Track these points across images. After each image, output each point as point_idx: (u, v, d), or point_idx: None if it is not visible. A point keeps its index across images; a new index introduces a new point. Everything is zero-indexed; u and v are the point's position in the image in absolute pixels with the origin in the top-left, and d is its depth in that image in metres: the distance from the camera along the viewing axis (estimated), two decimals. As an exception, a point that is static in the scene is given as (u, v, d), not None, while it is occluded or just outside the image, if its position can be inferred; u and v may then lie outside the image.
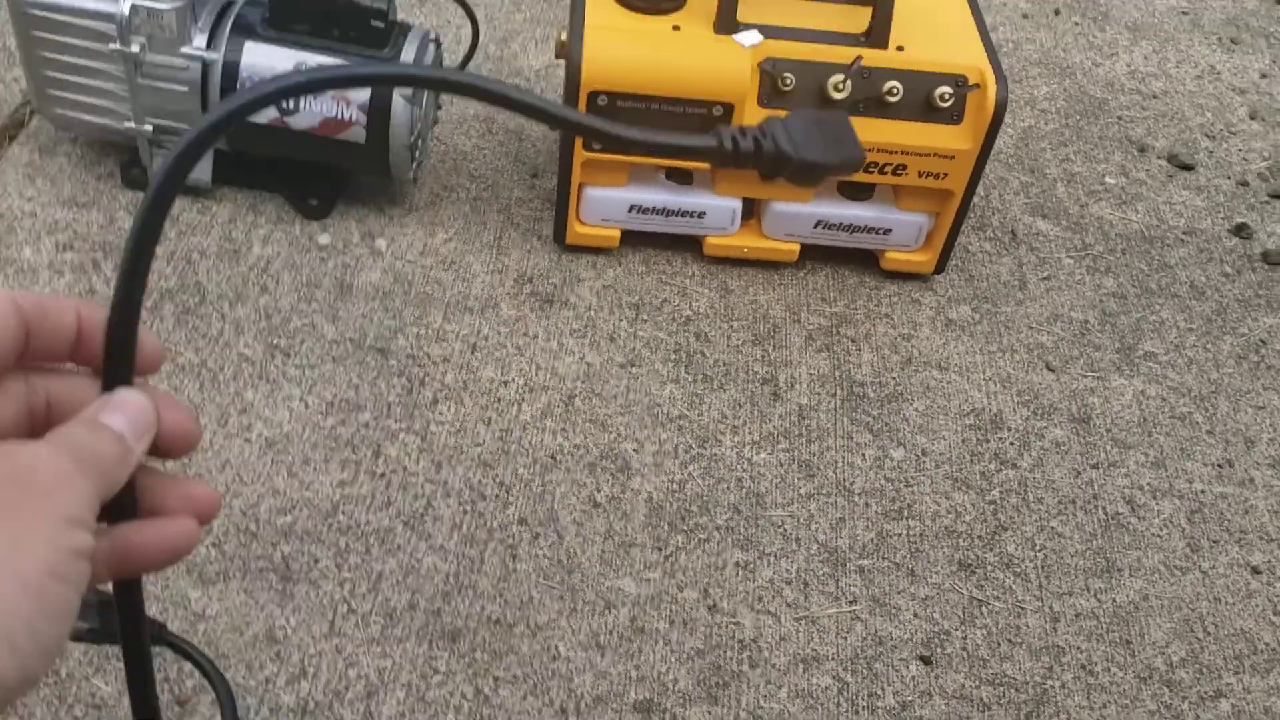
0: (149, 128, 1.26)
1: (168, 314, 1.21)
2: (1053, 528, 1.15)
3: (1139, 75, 1.75)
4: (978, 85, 1.20)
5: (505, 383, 1.20)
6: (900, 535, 1.12)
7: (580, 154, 1.25)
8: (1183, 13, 1.89)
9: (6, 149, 1.36)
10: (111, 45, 1.20)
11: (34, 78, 1.26)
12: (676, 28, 1.21)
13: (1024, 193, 1.52)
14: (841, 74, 1.19)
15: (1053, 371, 1.30)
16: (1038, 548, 1.13)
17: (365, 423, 1.14)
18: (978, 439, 1.22)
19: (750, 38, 1.20)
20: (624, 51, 1.19)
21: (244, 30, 1.23)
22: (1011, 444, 1.22)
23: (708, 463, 1.15)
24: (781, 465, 1.16)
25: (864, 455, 1.19)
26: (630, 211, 1.32)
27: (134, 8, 1.18)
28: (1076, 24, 1.85)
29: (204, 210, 1.32)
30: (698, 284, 1.34)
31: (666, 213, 1.32)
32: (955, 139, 1.22)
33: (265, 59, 1.23)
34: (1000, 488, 1.18)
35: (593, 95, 1.20)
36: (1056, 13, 1.86)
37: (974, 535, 1.14)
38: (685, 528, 1.10)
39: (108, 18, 1.19)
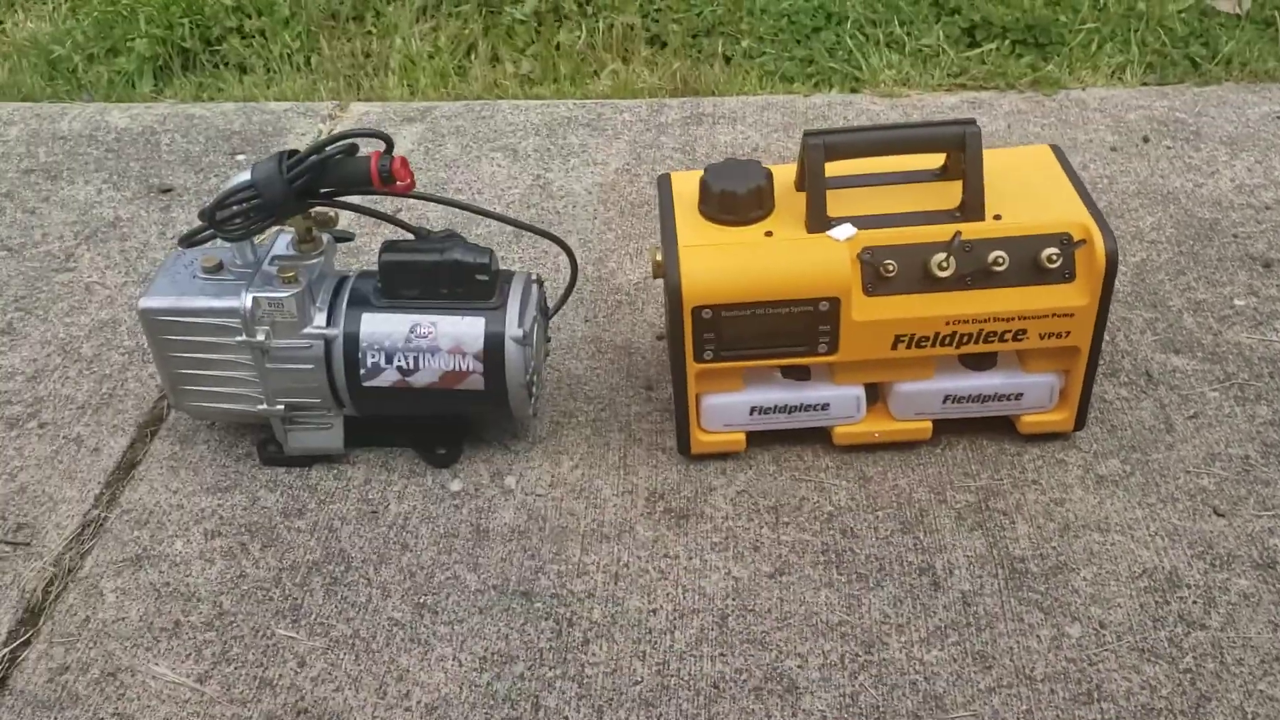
0: (280, 406, 1.31)
1: (316, 587, 1.23)
2: (1262, 691, 1.06)
3: (1246, 189, 1.71)
4: (1084, 241, 1.18)
5: (654, 611, 1.18)
6: (1095, 721, 1.05)
7: (693, 365, 1.25)
8: (1277, 118, 1.86)
9: (150, 445, 1.42)
10: (238, 338, 1.26)
11: (168, 375, 1.32)
12: (769, 233, 1.22)
13: (1150, 330, 1.47)
14: (943, 252, 1.18)
15: (1222, 516, 1.23)
16: (1249, 715, 1.04)
17: (520, 674, 1.13)
18: (1157, 602, 1.15)
19: (845, 231, 1.20)
20: (721, 265, 1.21)
21: (359, 302, 1.28)
22: (1195, 602, 1.15)
23: (878, 669, 1.10)
24: (954, 661, 1.10)
25: (1039, 637, 1.12)
26: (752, 414, 1.31)
27: (256, 300, 1.25)
28: (1169, 148, 1.82)
29: (339, 475, 1.35)
30: (833, 476, 1.31)
31: (789, 409, 1.31)
32: (1071, 297, 1.20)
33: (383, 326, 1.27)
34: (1193, 653, 1.10)
35: (696, 310, 1.21)
36: (1145, 140, 1.84)
37: (1175, 711, 1.05)
38: (865, 745, 1.04)
39: (232, 313, 1.25)
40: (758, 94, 2.11)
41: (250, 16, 2.39)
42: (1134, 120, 1.92)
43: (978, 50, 2.16)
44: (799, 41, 2.24)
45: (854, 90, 2.10)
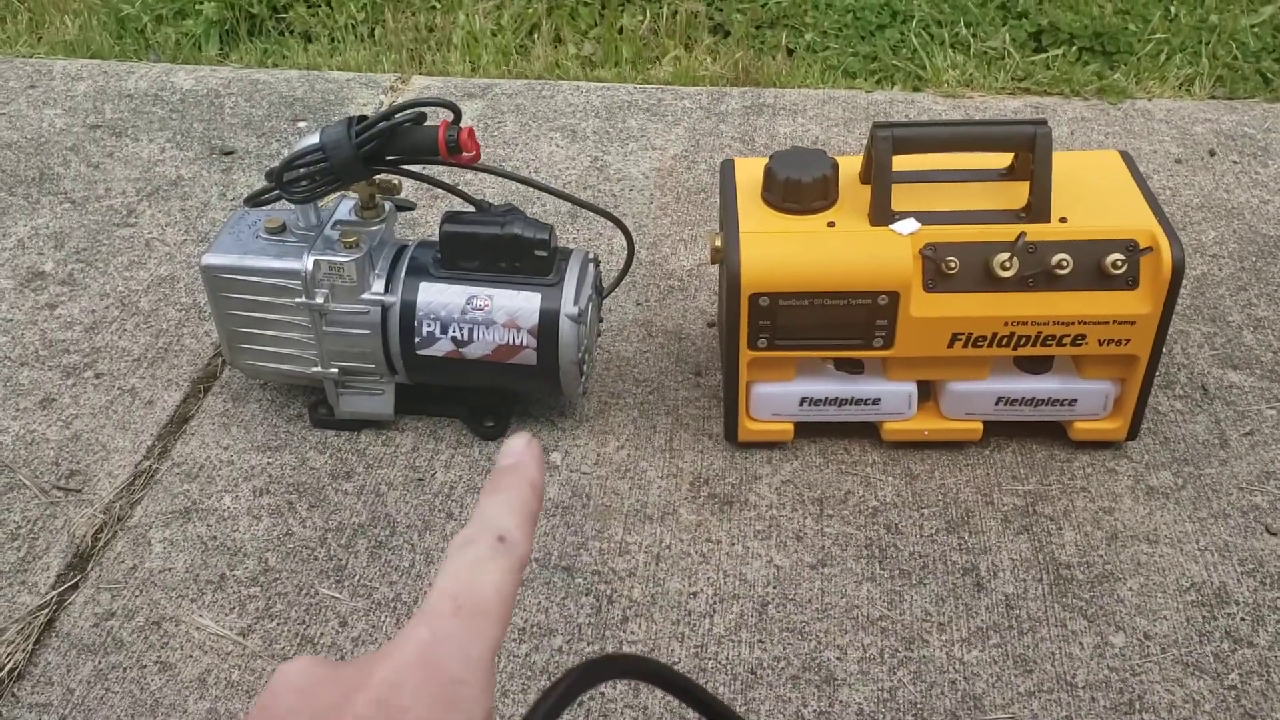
0: (335, 370, 1.32)
1: (361, 549, 1.24)
2: (1307, 713, 1.05)
3: (1312, 208, 1.68)
4: (1150, 248, 1.17)
5: (694, 594, 1.18)
6: (1135, 732, 1.04)
7: (746, 353, 1.25)
8: (1347, 138, 1.83)
9: (203, 400, 1.44)
10: (297, 299, 1.27)
11: (225, 333, 1.34)
12: (831, 224, 1.22)
13: (1208, 344, 1.46)
14: (1007, 252, 1.17)
15: (1275, 535, 1.21)
16: (1293, 737, 1.03)
17: (558, 647, 1.13)
18: (1204, 617, 1.14)
19: (908, 226, 1.20)
20: (781, 253, 1.20)
21: (418, 271, 1.29)
22: (1243, 619, 1.13)
23: (917, 666, 1.10)
24: (995, 663, 1.10)
25: (1082, 644, 1.12)
26: (802, 405, 1.31)
27: (317, 263, 1.26)
28: (1235, 162, 1.80)
29: (388, 442, 1.36)
30: (880, 472, 1.31)
31: (840, 402, 1.30)
32: (1134, 304, 1.18)
33: (439, 296, 1.28)
34: (1239, 670, 1.09)
35: (753, 298, 1.21)
36: (1211, 154, 1.82)
37: (1218, 726, 1.04)
38: (901, 740, 1.04)
39: (293, 274, 1.27)
40: (819, 88, 2.10)
41: (317, -14, 2.41)
42: (1200, 133, 1.89)
43: (1043, 55, 2.14)
44: (863, 38, 2.23)
45: (916, 89, 2.09)
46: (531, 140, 1.95)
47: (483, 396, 1.38)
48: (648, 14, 2.32)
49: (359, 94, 2.11)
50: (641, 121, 1.99)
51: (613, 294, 1.54)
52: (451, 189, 1.34)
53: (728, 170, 1.31)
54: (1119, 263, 1.17)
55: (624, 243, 1.44)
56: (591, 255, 1.34)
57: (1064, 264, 1.17)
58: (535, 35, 2.31)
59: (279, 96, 2.10)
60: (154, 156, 1.93)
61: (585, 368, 1.33)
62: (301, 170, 1.23)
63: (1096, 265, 1.18)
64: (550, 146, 1.93)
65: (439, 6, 2.40)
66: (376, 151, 1.23)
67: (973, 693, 1.07)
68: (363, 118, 1.23)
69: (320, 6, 2.39)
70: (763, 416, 1.32)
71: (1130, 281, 1.19)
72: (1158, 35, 2.15)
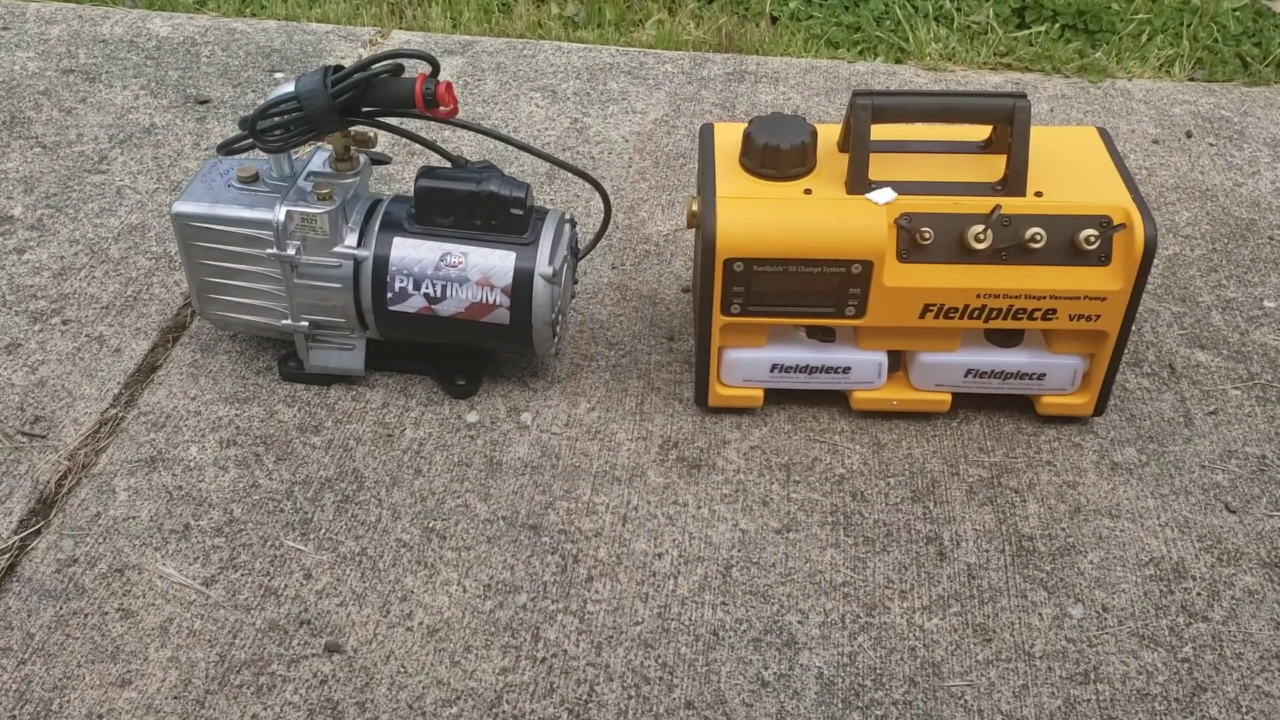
0: (305, 323, 1.31)
1: (328, 503, 1.23)
2: (1258, 687, 1.07)
3: (1285, 192, 1.70)
4: (1124, 225, 1.17)
5: (659, 555, 1.19)
6: (1089, 701, 1.06)
7: (719, 318, 1.25)
8: (1323, 124, 1.84)
9: (171, 350, 1.42)
10: (269, 250, 1.26)
11: (195, 283, 1.32)
12: (808, 191, 1.22)
13: (1177, 324, 1.47)
14: (981, 224, 1.18)
15: (1234, 513, 1.23)
16: (1244, 710, 1.05)
17: (523, 604, 1.14)
18: (1161, 591, 1.15)
19: (884, 195, 1.20)
20: (757, 218, 1.20)
21: (392, 226, 1.28)
22: (1199, 595, 1.15)
23: (878, 632, 1.11)
24: (955, 631, 1.11)
25: (1041, 615, 1.13)
26: (773, 371, 1.31)
27: (289, 214, 1.25)
28: (1211, 145, 1.81)
29: (358, 397, 1.36)
30: (848, 440, 1.31)
31: (810, 370, 1.31)
32: (1106, 280, 1.19)
33: (413, 252, 1.27)
34: (1193, 644, 1.11)
35: (728, 263, 1.21)
36: (1189, 135, 1.83)
37: (1170, 698, 1.06)
38: (860, 704, 1.05)
39: (265, 225, 1.25)
40: (802, 57, 2.09)
41: (298, -65, 2.37)
42: (1178, 114, 1.90)
43: (1026, 32, 2.14)
44: (847, 8, 2.22)
45: (899, 61, 2.08)
46: (511, 99, 1.93)
47: (454, 354, 1.37)
48: (632, -24, 2.30)
49: (337, 46, 2.08)
50: (623, 84, 1.98)
51: (588, 257, 1.53)
52: (428, 144, 1.33)
53: (707, 135, 1.30)
54: (1092, 238, 1.17)
55: (601, 205, 1.43)
56: (568, 216, 1.33)
57: (1038, 238, 1.18)
58: (518, -6, 2.29)
59: (256, 46, 2.08)
60: (127, 103, 1.90)
61: (558, 329, 1.33)
62: (276, 119, 1.22)
63: (1070, 240, 1.19)
64: (530, 106, 1.91)
65: (421, -39, 2.36)
66: (352, 102, 1.21)
67: (932, 660, 1.09)
68: (339, 67, 1.22)
69: (300, -43, 2.35)
70: (733, 382, 1.32)
71: (1103, 258, 1.19)
72: (1140, 15, 2.15)
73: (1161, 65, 2.06)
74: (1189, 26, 2.13)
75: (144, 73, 1.99)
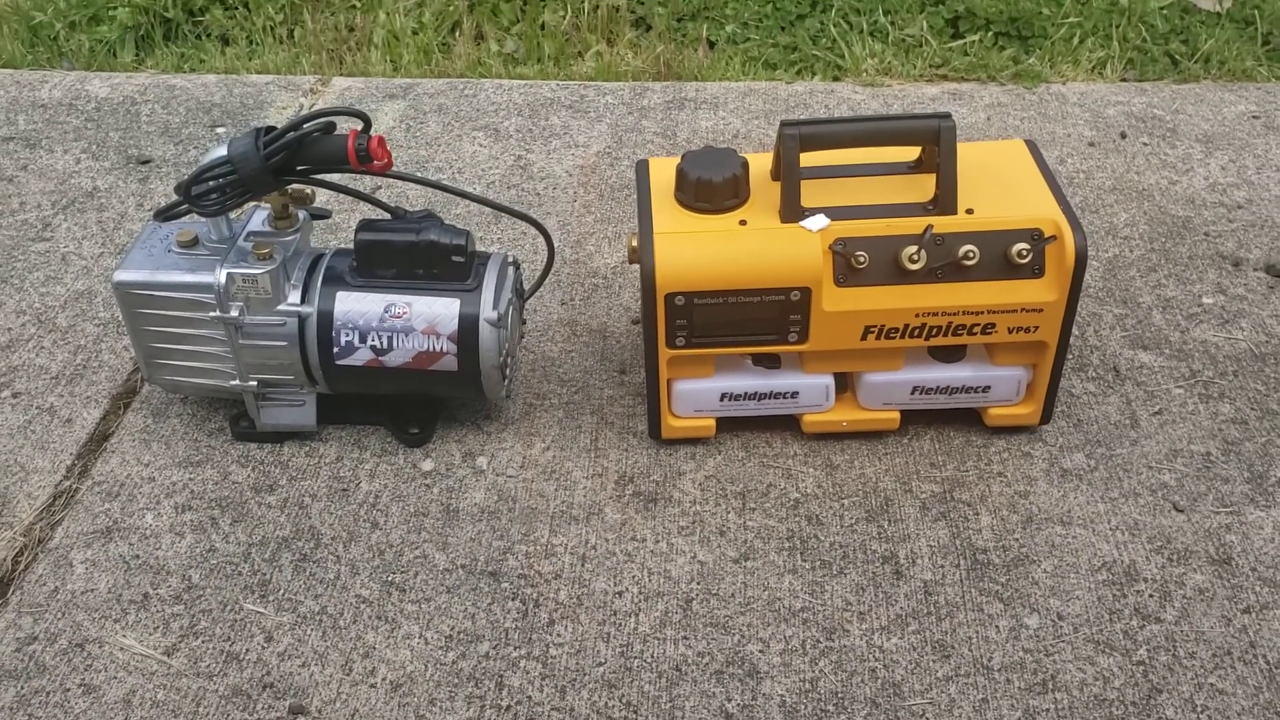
0: (254, 383, 1.31)
1: (285, 563, 1.23)
2: (1212, 684, 1.08)
3: (1219, 187, 1.72)
4: (1054, 237, 1.19)
5: (620, 593, 1.19)
6: (1048, 711, 1.07)
7: (665, 351, 1.26)
8: (1253, 117, 1.87)
9: (123, 417, 1.42)
10: (212, 313, 1.26)
11: (142, 349, 1.32)
12: (743, 222, 1.23)
13: (1120, 325, 1.49)
14: (915, 245, 1.19)
15: (1181, 512, 1.25)
16: (1199, 708, 1.07)
17: (485, 653, 1.14)
18: (1114, 595, 1.17)
19: (818, 222, 1.21)
20: (695, 252, 1.21)
21: (335, 281, 1.29)
22: (1151, 596, 1.17)
23: (838, 656, 1.12)
24: (914, 649, 1.12)
25: (998, 627, 1.14)
26: (723, 400, 1.32)
27: (230, 276, 1.25)
28: (1145, 144, 1.84)
29: (311, 453, 1.36)
30: (801, 464, 1.33)
31: (759, 397, 1.32)
32: (1040, 292, 1.21)
33: (357, 305, 1.27)
34: (1147, 646, 1.12)
35: (669, 297, 1.22)
36: (1123, 136, 1.86)
37: (1127, 702, 1.07)
38: (822, 730, 1.06)
39: (206, 288, 1.26)
40: (740, 80, 2.11)
41: (234, -13, 2.37)
42: (1112, 116, 1.93)
43: (960, 42, 2.17)
44: (783, 28, 2.24)
45: (836, 79, 2.11)
46: (454, 140, 1.94)
47: (406, 403, 1.38)
48: (569, 9, 2.31)
49: (278, 97, 2.09)
50: (564, 119, 1.99)
51: (537, 294, 1.54)
52: (365, 196, 1.33)
53: (642, 171, 1.32)
54: (1024, 252, 1.19)
55: (546, 243, 1.44)
56: (511, 258, 1.34)
57: (971, 255, 1.19)
58: (457, 33, 2.30)
59: (196, 102, 2.08)
60: (69, 168, 1.90)
61: (508, 371, 1.34)
62: (210, 183, 1.22)
63: (1003, 255, 1.20)
64: (473, 146, 1.92)
65: (359, 6, 2.38)
66: (286, 162, 1.22)
67: (892, 680, 1.10)
68: (271, 128, 1.22)
69: (237, 8, 2.36)
70: (685, 413, 1.33)
71: (1036, 270, 1.21)
72: (1070, 19, 2.19)
73: (1094, 67, 2.10)
74: (1119, 28, 2.17)
75: (84, 135, 1.98)
